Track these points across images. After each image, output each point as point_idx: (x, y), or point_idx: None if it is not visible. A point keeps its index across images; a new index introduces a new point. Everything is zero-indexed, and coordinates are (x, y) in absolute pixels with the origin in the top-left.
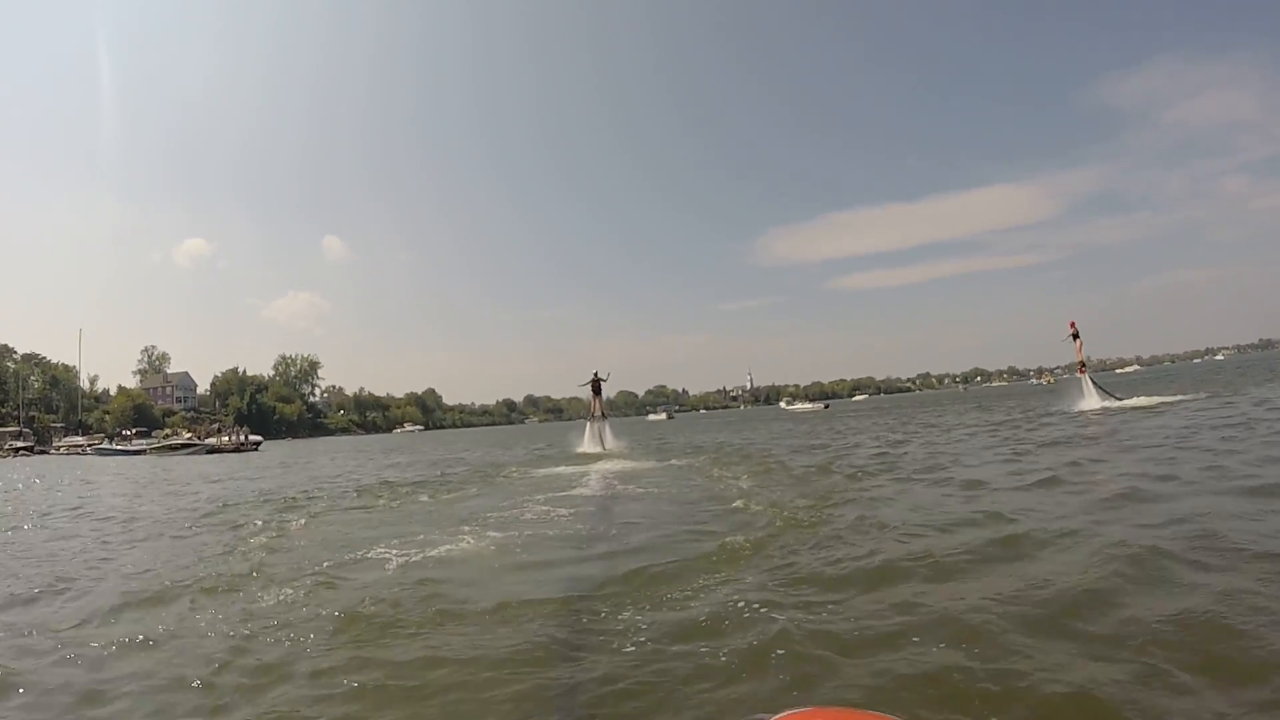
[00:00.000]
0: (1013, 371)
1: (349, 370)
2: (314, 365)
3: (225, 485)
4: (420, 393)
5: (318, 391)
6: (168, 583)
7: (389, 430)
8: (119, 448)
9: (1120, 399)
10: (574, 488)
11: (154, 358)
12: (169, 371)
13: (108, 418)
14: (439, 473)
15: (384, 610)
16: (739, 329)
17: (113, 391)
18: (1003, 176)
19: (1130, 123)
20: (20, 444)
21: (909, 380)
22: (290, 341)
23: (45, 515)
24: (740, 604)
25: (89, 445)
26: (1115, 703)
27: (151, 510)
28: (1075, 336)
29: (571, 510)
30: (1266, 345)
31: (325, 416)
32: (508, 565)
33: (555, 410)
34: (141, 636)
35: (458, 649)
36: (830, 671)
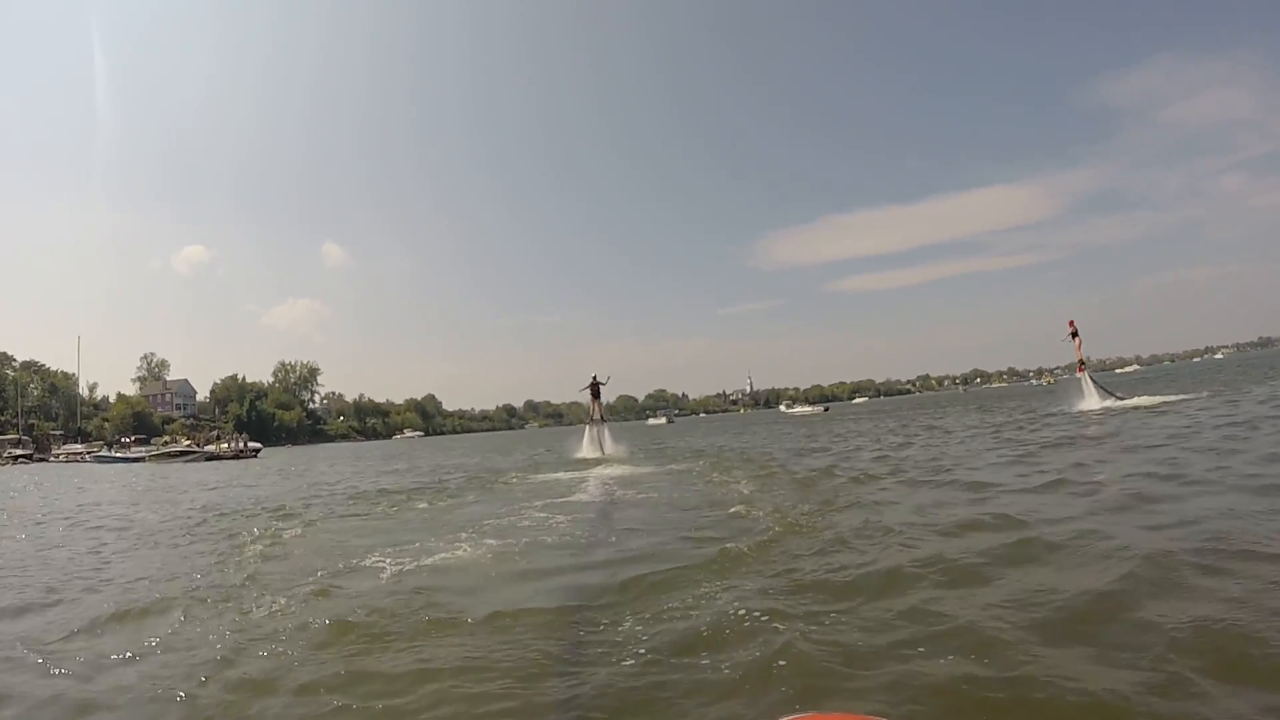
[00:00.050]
0: (1012, 372)
1: (349, 377)
2: (314, 372)
3: (223, 493)
4: (420, 399)
5: (317, 398)
6: (160, 593)
7: (389, 436)
8: (118, 455)
9: (1122, 399)
10: (573, 494)
11: (153, 365)
12: (168, 379)
13: (107, 425)
14: (437, 479)
15: (377, 620)
16: (739, 332)
17: (112, 399)
18: (1001, 177)
19: (1129, 122)
20: (19, 452)
21: (909, 382)
22: (290, 348)
23: (40, 524)
24: (742, 612)
25: (88, 453)
26: (1133, 712)
27: (147, 518)
28: (1074, 336)
29: (570, 517)
30: (1266, 343)
31: (325, 423)
32: (505, 574)
33: (555, 415)
34: (132, 649)
35: (451, 660)
36: (836, 683)
